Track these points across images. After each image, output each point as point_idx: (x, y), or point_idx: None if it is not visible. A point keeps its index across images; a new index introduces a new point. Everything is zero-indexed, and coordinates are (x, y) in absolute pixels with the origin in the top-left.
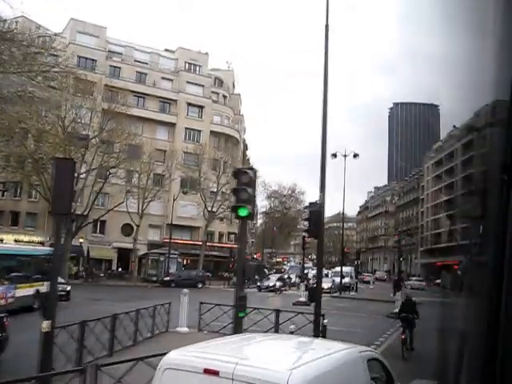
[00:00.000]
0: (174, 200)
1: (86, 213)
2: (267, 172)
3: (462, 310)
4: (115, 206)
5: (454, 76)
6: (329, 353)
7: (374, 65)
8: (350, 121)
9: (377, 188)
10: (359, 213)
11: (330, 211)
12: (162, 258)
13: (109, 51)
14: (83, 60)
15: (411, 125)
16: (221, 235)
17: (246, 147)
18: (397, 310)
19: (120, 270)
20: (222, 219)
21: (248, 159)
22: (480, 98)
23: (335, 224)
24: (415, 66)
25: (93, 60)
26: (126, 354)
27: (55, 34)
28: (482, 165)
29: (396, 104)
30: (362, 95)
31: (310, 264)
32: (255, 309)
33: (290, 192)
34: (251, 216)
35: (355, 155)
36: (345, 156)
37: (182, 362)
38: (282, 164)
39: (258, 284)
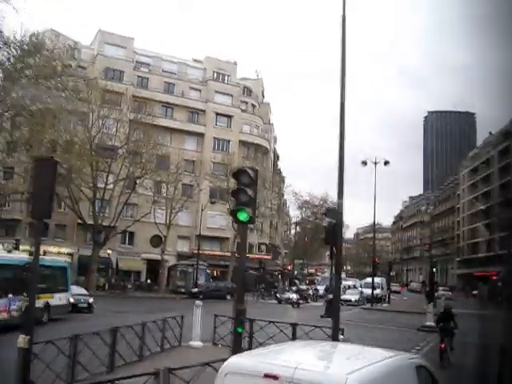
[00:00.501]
0: (202, 210)
1: (113, 224)
2: (298, 183)
3: (501, 322)
4: (142, 217)
5: (488, 84)
6: (381, 359)
7: (404, 75)
8: (382, 132)
9: (411, 198)
10: (394, 223)
11: (364, 221)
12: (190, 270)
13: (136, 62)
14: (111, 71)
15: (447, 133)
16: (251, 246)
17: (277, 158)
18: (428, 323)
19: (149, 281)
20: (251, 230)
21: (279, 170)
22: None
23: (369, 235)
24: (446, 76)
25: (120, 71)
26: (128, 370)
27: (75, 43)
28: None
29: (431, 113)
30: (394, 107)
31: (343, 275)
32: (270, 322)
33: (321, 202)
34: (252, 220)
35: (386, 162)
36: (375, 163)
37: (242, 367)
38: (312, 173)
39: (278, 296)
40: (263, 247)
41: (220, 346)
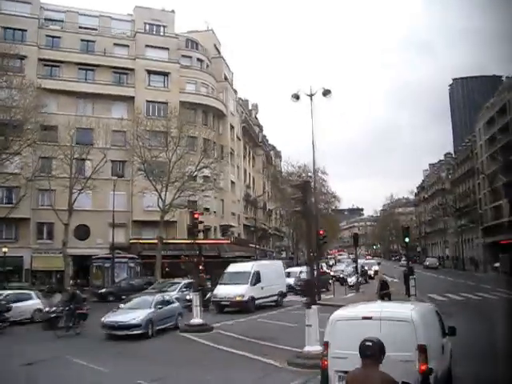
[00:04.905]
0: (113, 188)
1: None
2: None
3: None
4: (17, 203)
5: (505, 43)
6: (422, 305)
7: (419, 44)
8: (402, 106)
9: (432, 165)
10: (416, 194)
11: (383, 198)
12: (107, 264)
13: (45, 19)
14: (10, 31)
15: (474, 99)
16: (207, 229)
17: (259, 128)
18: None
19: (71, 281)
20: (205, 210)
21: (264, 141)
22: None
23: (393, 211)
24: (461, 42)
25: (22, 30)
26: None
27: None
28: None
29: (456, 80)
30: (413, 78)
31: (345, 258)
32: None
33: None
34: None
35: (325, 92)
36: (311, 96)
37: (346, 315)
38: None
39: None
40: (234, 230)
41: None
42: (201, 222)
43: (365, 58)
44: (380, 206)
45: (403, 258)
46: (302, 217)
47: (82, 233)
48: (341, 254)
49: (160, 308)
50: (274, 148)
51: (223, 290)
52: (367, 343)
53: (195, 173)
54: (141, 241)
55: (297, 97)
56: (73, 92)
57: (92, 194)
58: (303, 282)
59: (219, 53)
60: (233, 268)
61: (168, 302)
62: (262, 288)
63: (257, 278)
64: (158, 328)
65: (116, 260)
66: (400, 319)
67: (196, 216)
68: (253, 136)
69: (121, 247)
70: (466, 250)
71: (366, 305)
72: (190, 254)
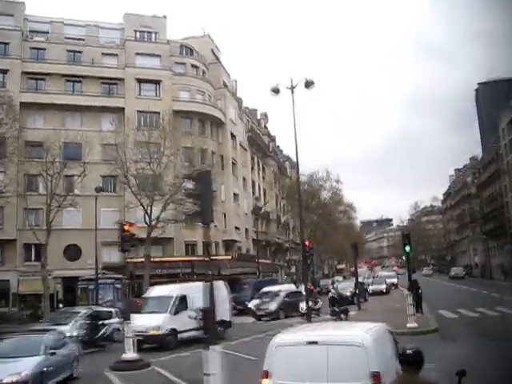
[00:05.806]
0: (95, 207)
1: None
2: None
3: None
4: None
5: None
6: (375, 326)
7: (433, 52)
8: (424, 115)
9: (457, 170)
10: (442, 201)
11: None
12: (91, 286)
13: (30, 31)
14: None
15: (503, 102)
16: (206, 245)
17: (271, 138)
18: None
19: (61, 305)
20: (204, 225)
21: (276, 147)
22: None
23: (421, 219)
24: (475, 45)
25: (5, 43)
26: None
27: None
28: None
29: (481, 84)
30: (431, 87)
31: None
32: None
33: (323, 180)
34: None
35: (308, 83)
36: (292, 88)
37: (288, 340)
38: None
39: None
40: (241, 245)
41: None
42: (133, 235)
43: (378, 64)
44: (406, 216)
45: (426, 268)
46: (198, 221)
47: (73, 253)
48: (360, 267)
49: (53, 353)
50: (288, 158)
51: (136, 322)
52: (408, 351)
53: (184, 184)
54: (135, 259)
55: (276, 91)
56: (59, 105)
57: (82, 211)
58: (201, 312)
59: (217, 59)
60: (153, 292)
61: (62, 344)
62: (189, 317)
63: (181, 305)
64: (51, 382)
65: (101, 281)
66: (350, 344)
67: (126, 228)
68: (261, 146)
69: (115, 267)
70: (495, 257)
71: (313, 327)
72: (184, 272)
